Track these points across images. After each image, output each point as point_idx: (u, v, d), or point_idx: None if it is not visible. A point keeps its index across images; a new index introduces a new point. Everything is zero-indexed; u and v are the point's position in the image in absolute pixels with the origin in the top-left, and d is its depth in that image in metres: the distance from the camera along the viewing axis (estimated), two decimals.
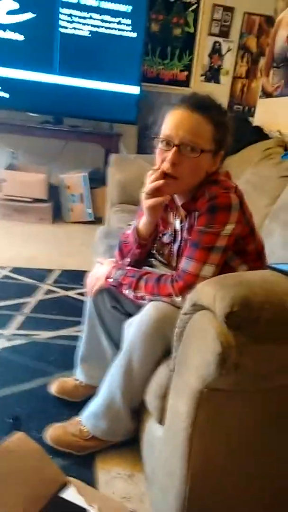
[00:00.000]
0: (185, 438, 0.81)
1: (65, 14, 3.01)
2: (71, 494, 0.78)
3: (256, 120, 3.13)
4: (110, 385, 1.14)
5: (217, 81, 3.56)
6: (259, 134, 2.51)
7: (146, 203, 1.10)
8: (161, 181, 1.05)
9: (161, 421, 0.99)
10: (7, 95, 3.13)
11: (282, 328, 0.70)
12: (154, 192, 1.08)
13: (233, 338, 0.69)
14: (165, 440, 0.93)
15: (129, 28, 3.09)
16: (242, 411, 0.80)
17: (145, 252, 1.22)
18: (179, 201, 1.15)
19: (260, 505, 0.91)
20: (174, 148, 1.02)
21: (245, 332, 0.69)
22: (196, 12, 3.36)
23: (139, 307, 1.10)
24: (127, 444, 1.21)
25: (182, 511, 0.86)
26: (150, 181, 1.07)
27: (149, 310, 1.06)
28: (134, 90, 3.22)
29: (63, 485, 0.80)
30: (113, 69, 3.15)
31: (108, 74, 3.16)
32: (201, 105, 1.03)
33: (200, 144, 1.02)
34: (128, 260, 1.23)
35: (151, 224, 1.17)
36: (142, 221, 1.17)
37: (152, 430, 1.06)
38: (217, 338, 0.70)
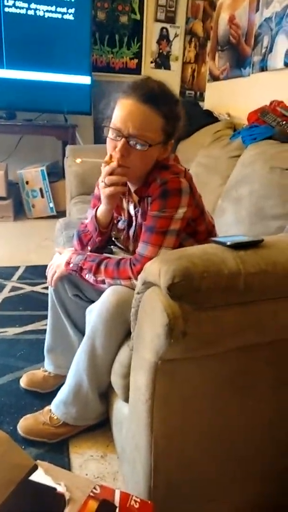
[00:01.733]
0: (146, 410, 0.85)
1: (9, 6, 2.95)
2: (39, 476, 0.80)
3: (206, 104, 3.18)
4: (76, 371, 1.17)
5: (167, 67, 3.59)
6: (210, 118, 2.55)
7: (105, 192, 1.11)
8: (118, 169, 1.05)
9: (126, 399, 1.02)
10: None
11: (221, 295, 0.74)
12: (113, 182, 1.09)
13: (178, 309, 0.73)
14: (130, 416, 0.97)
15: (75, 17, 3.05)
16: (195, 377, 0.84)
17: (105, 239, 1.24)
18: (131, 187, 1.18)
19: (222, 466, 0.96)
20: (123, 140, 1.03)
21: (189, 302, 0.73)
22: None
23: (100, 293, 1.12)
24: (99, 426, 1.25)
25: (149, 481, 0.90)
26: (106, 172, 1.08)
27: (109, 295, 1.08)
28: (85, 80, 3.20)
29: (32, 469, 0.82)
30: (62, 60, 3.12)
31: (58, 65, 3.13)
32: (152, 97, 1.02)
33: (148, 138, 1.03)
34: (88, 248, 1.25)
35: (109, 212, 1.19)
36: (101, 210, 1.19)
37: (120, 409, 1.09)
38: (164, 310, 0.73)
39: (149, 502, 0.79)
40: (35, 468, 0.82)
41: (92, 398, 1.18)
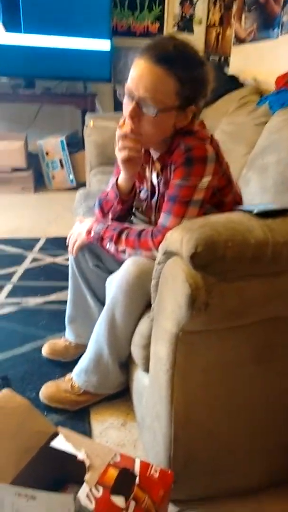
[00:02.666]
0: (167, 381, 0.84)
1: None
2: (60, 442, 0.81)
3: (231, 69, 3.04)
4: (96, 341, 1.17)
5: (190, 31, 3.42)
6: (235, 83, 2.44)
7: (119, 157, 1.08)
8: (130, 134, 1.02)
9: (147, 369, 1.02)
10: None
11: (247, 265, 0.71)
12: (126, 147, 1.05)
13: (201, 279, 0.70)
14: (151, 386, 0.97)
15: None
16: (217, 349, 0.82)
17: (126, 208, 1.21)
18: (154, 154, 1.13)
19: (240, 439, 0.95)
20: (133, 104, 0.98)
21: (212, 272, 0.70)
22: None
23: (120, 264, 1.11)
24: (119, 395, 1.26)
25: (170, 451, 0.90)
26: (118, 136, 1.05)
27: (129, 266, 1.06)
28: (105, 45, 3.09)
29: (53, 436, 0.83)
30: (81, 24, 3.01)
31: (77, 30, 3.02)
32: (165, 58, 0.95)
33: (159, 103, 0.96)
34: (109, 217, 1.22)
35: (130, 179, 1.15)
36: (121, 177, 1.16)
37: (140, 379, 1.09)
38: (186, 280, 0.71)
39: (169, 471, 0.80)
40: (56, 434, 0.83)
41: (113, 367, 1.18)
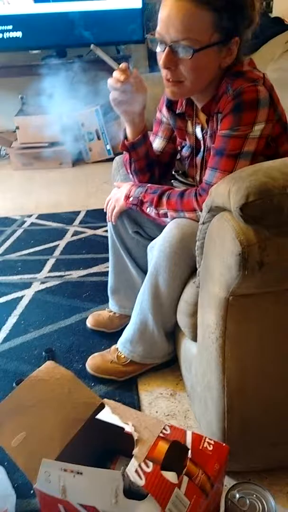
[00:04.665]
0: (218, 349, 0.78)
1: None
2: (107, 414, 0.77)
3: (275, 11, 2.77)
4: (140, 310, 1.12)
5: None
6: (280, 26, 2.21)
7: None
8: (110, 82, 0.98)
9: (194, 338, 0.96)
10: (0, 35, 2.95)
11: None
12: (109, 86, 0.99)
13: (253, 234, 0.62)
14: (200, 355, 0.91)
15: None
16: (273, 315, 0.74)
17: (138, 158, 1.14)
18: (198, 103, 1.02)
19: None
20: (166, 50, 0.87)
21: (267, 225, 0.61)
22: None
23: (162, 229, 1.04)
24: (168, 365, 1.22)
25: (223, 422, 0.84)
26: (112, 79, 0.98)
27: (172, 230, 1.00)
28: (136, 2, 2.91)
29: (99, 407, 0.80)
30: None
31: None
32: None
33: (194, 41, 0.84)
34: (130, 170, 1.17)
35: (128, 123, 1.09)
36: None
37: (188, 349, 1.04)
38: (236, 237, 0.62)
39: (224, 444, 0.74)
40: (102, 406, 0.80)
41: (158, 336, 1.13)
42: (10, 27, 2.93)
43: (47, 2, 2.88)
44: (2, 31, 2.94)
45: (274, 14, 2.69)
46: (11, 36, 2.96)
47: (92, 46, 1.01)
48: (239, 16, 0.87)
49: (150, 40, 0.95)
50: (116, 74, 0.98)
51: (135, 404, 1.12)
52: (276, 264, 0.63)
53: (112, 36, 2.99)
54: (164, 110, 1.14)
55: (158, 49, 0.90)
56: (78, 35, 2.94)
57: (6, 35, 2.95)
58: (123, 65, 0.99)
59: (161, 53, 0.89)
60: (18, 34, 2.96)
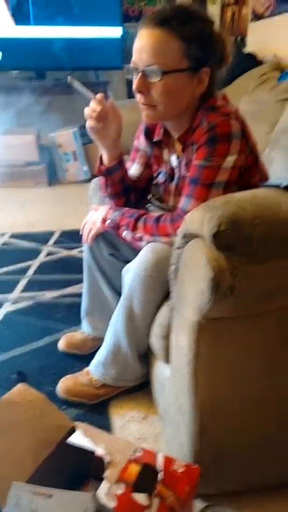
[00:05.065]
0: (190, 372, 0.79)
1: None
2: (78, 437, 0.77)
3: (248, 47, 2.93)
4: (114, 332, 1.12)
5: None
6: (253, 61, 2.34)
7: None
8: (87, 111, 1.03)
9: (167, 360, 0.97)
10: None
11: (277, 244, 0.65)
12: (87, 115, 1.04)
13: (225, 261, 0.64)
14: (173, 377, 0.92)
15: None
16: (244, 337, 0.76)
17: (114, 182, 1.17)
18: (174, 133, 1.06)
19: (271, 431, 0.89)
20: (138, 75, 0.93)
21: (238, 252, 0.64)
22: None
23: (137, 253, 1.06)
24: (140, 388, 1.21)
25: (194, 445, 0.85)
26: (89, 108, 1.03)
27: (147, 253, 1.01)
28: (116, 32, 3.02)
29: (70, 430, 0.79)
30: (91, 11, 2.95)
31: (87, 18, 2.96)
32: (164, 19, 0.90)
33: (163, 65, 0.90)
34: (107, 192, 1.20)
35: (104, 149, 1.13)
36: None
37: (161, 371, 1.04)
38: (208, 263, 0.65)
39: (195, 466, 0.75)
40: (73, 429, 0.79)
41: (131, 359, 1.13)
42: None
43: (28, 25, 2.94)
44: None
45: (248, 49, 2.84)
46: None
47: (68, 78, 1.07)
48: (208, 48, 0.94)
49: (126, 70, 1.00)
50: (92, 104, 1.02)
51: (107, 427, 1.11)
52: (247, 290, 0.66)
53: (91, 61, 3.08)
54: (142, 138, 1.18)
55: (134, 76, 0.96)
56: (58, 59, 3.01)
57: None
58: (99, 95, 1.03)
59: (134, 79, 0.95)
60: None
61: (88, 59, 3.05)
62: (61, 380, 1.21)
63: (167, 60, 0.91)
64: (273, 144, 1.53)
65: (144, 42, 0.91)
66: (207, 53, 0.94)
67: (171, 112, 0.99)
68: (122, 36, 3.03)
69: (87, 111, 1.04)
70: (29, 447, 0.75)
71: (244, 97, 1.90)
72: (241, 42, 3.06)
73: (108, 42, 3.04)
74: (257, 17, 2.81)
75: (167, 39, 0.90)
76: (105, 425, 1.11)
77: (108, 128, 1.06)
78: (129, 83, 3.33)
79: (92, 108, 1.02)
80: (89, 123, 1.05)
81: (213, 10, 3.32)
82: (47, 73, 3.15)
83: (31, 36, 2.95)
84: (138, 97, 0.96)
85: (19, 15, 2.90)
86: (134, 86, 0.95)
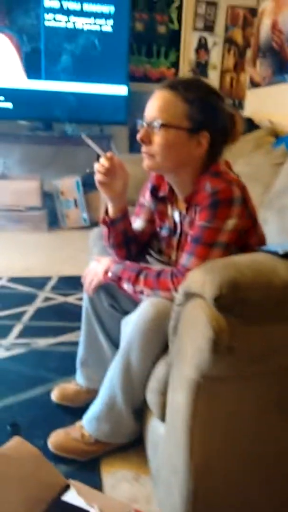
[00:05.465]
0: (186, 431, 0.79)
1: (49, 20, 3.01)
2: (71, 496, 0.75)
3: (246, 112, 3.12)
4: (109, 386, 1.11)
5: (205, 76, 3.55)
6: (250, 126, 2.48)
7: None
8: (96, 166, 1.11)
9: (162, 418, 0.96)
10: None
11: (272, 308, 0.67)
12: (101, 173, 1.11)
13: (224, 322, 0.67)
14: (167, 436, 0.91)
15: (113, 28, 3.08)
16: (240, 397, 0.77)
17: (116, 234, 1.21)
18: (180, 194, 1.13)
19: (268, 492, 0.87)
20: (144, 127, 1.03)
21: (236, 314, 0.67)
22: (179, 8, 3.36)
23: (136, 305, 1.07)
24: (132, 445, 1.18)
25: (187, 507, 0.83)
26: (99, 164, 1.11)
27: (146, 307, 1.03)
28: (122, 90, 3.21)
29: (64, 488, 0.77)
30: (99, 70, 3.14)
31: (95, 76, 3.15)
32: (175, 83, 1.02)
33: (164, 118, 1.00)
34: (109, 243, 1.24)
35: (110, 202, 1.19)
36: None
37: (155, 429, 1.03)
38: (209, 323, 0.67)
39: None
40: (67, 487, 0.77)
41: (126, 414, 1.12)
42: (2, 98, 3.13)
43: (39, 79, 3.11)
44: None
45: (245, 115, 3.02)
46: (1, 107, 3.14)
47: (83, 135, 1.14)
48: (209, 114, 1.02)
49: (138, 126, 1.08)
50: (102, 160, 1.10)
51: (98, 486, 1.07)
52: (244, 350, 0.68)
53: (97, 116, 3.24)
54: (147, 195, 1.24)
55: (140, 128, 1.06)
56: (65, 112, 3.16)
57: None
58: (109, 153, 1.12)
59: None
60: (9, 105, 3.15)
61: (94, 113, 3.21)
62: (53, 434, 1.18)
63: (170, 116, 1.01)
64: (268, 206, 1.60)
65: (153, 100, 1.03)
66: (208, 119, 1.02)
67: (168, 164, 1.06)
68: (127, 94, 3.22)
69: (97, 166, 1.11)
70: (21, 503, 0.73)
71: (241, 159, 2.00)
72: (239, 106, 3.26)
73: (114, 99, 3.22)
74: (254, 84, 3.01)
75: (172, 99, 1.01)
76: (96, 483, 1.08)
77: (115, 182, 1.13)
78: (132, 139, 3.50)
79: (102, 163, 1.10)
80: (98, 177, 1.12)
81: (213, 76, 3.56)
82: (54, 124, 3.29)
83: (41, 88, 3.12)
84: (142, 146, 1.05)
85: (32, 70, 3.09)
86: (138, 136, 1.04)
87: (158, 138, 1.02)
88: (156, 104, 1.02)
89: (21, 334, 1.79)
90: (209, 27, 3.43)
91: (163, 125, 1.00)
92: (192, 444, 0.79)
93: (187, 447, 0.80)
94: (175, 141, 1.02)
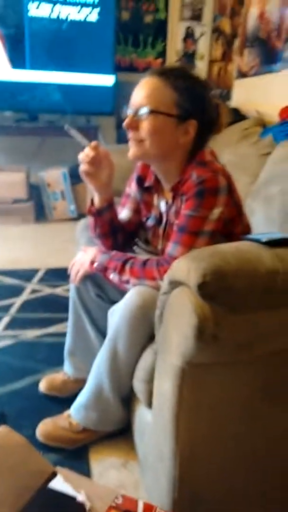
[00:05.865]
0: (171, 417, 0.80)
1: (34, 9, 2.96)
2: (58, 483, 0.75)
3: (233, 102, 3.12)
4: (97, 374, 1.12)
5: (193, 66, 3.53)
6: (237, 116, 2.48)
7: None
8: (81, 156, 1.10)
9: (149, 405, 0.98)
10: None
11: (256, 296, 0.68)
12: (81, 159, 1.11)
13: (209, 310, 0.67)
14: (154, 423, 0.92)
15: (99, 17, 3.05)
16: (225, 384, 0.78)
17: (102, 224, 1.21)
18: (166, 183, 1.13)
19: (254, 478, 0.89)
20: (131, 113, 1.03)
21: (221, 303, 0.68)
22: None
23: (123, 295, 1.08)
24: (120, 433, 1.19)
25: (173, 492, 0.84)
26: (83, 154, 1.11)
27: (132, 296, 1.04)
28: (109, 80, 3.18)
29: (51, 476, 0.78)
30: (85, 60, 3.10)
31: (81, 66, 3.11)
32: (164, 71, 1.02)
33: (152, 104, 1.00)
34: (96, 233, 1.24)
35: (96, 192, 1.19)
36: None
37: (142, 416, 1.04)
38: (193, 311, 0.68)
39: None
40: (54, 474, 0.78)
41: (114, 402, 1.13)
42: None
43: (24, 69, 3.07)
44: None
45: (233, 105, 3.02)
46: None
47: (65, 126, 1.13)
48: (197, 104, 1.02)
49: (123, 113, 1.08)
50: (87, 150, 1.09)
51: (86, 473, 1.09)
52: (228, 338, 0.69)
53: (84, 107, 3.20)
54: (133, 185, 1.24)
55: (127, 115, 1.04)
56: (51, 103, 3.13)
57: None
58: (94, 143, 1.10)
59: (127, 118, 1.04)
60: None
61: (81, 104, 3.17)
62: (41, 423, 1.19)
63: (158, 103, 1.00)
64: (255, 195, 1.61)
65: (141, 87, 1.03)
66: (196, 108, 1.02)
67: (155, 151, 1.05)
68: (114, 84, 3.19)
69: (81, 156, 1.10)
70: (9, 492, 0.73)
71: (228, 149, 2.00)
72: (226, 96, 3.25)
73: (100, 89, 3.19)
74: (242, 75, 3.01)
75: (161, 86, 1.00)
76: (84, 471, 1.09)
77: (100, 172, 1.13)
78: (119, 128, 3.47)
79: (86, 153, 1.09)
80: (83, 167, 1.11)
81: (201, 66, 3.55)
82: (40, 115, 3.25)
83: (26, 79, 3.08)
84: (128, 133, 1.05)
85: (16, 59, 3.04)
86: (124, 123, 1.03)
87: (146, 124, 1.01)
88: (144, 91, 1.01)
89: (9, 326, 1.79)
90: (197, 16, 3.40)
91: (152, 112, 1.00)
92: (178, 431, 0.80)
93: (173, 434, 0.81)
94: (163, 128, 1.02)
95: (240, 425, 0.83)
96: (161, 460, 0.86)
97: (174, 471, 0.83)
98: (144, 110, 1.00)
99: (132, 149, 1.07)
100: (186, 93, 1.01)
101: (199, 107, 1.03)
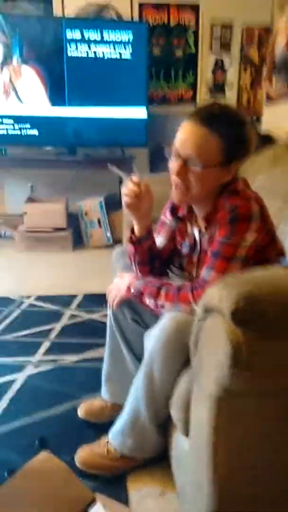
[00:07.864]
0: (209, 446, 0.79)
1: (71, 50, 3.16)
2: (98, 510, 0.76)
3: (263, 127, 3.14)
4: (133, 400, 1.14)
5: (223, 95, 3.60)
6: (268, 141, 2.50)
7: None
8: (124, 190, 1.15)
9: (186, 433, 0.97)
10: (18, 132, 3.27)
11: None
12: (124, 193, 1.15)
13: (242, 336, 0.68)
14: (191, 451, 0.91)
15: (132, 55, 3.20)
16: (261, 410, 0.77)
17: (142, 253, 1.24)
18: (199, 213, 1.17)
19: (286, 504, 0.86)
20: (180, 162, 1.05)
21: (254, 329, 0.68)
22: (195, 33, 3.45)
23: (158, 319, 1.10)
24: (157, 461, 1.19)
25: None
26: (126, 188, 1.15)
27: (168, 320, 1.05)
28: (142, 113, 3.30)
29: (91, 502, 0.79)
30: (120, 95, 3.24)
31: (116, 101, 3.25)
32: (210, 119, 1.03)
33: (204, 160, 1.02)
34: (133, 261, 1.26)
35: (137, 222, 1.22)
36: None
37: (180, 444, 1.04)
38: (227, 337, 0.69)
39: None
40: (93, 501, 0.79)
41: (149, 428, 1.13)
42: (28, 125, 3.27)
43: (63, 106, 3.25)
44: (21, 129, 3.28)
45: (263, 129, 3.04)
46: (28, 134, 3.28)
47: (108, 165, 1.20)
48: (240, 147, 1.06)
49: (167, 151, 1.12)
50: (129, 184, 1.15)
51: (124, 501, 1.08)
52: (261, 365, 0.69)
53: (119, 139, 3.33)
54: (168, 214, 1.29)
55: (172, 159, 1.07)
56: (88, 137, 3.28)
57: (24, 132, 3.28)
58: (135, 179, 1.15)
59: (174, 164, 1.07)
60: (35, 132, 3.29)
61: (116, 137, 3.31)
62: (79, 450, 1.20)
63: (208, 155, 1.03)
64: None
65: (188, 135, 1.04)
66: (240, 151, 1.06)
67: (200, 196, 1.10)
68: (147, 117, 3.30)
69: (125, 190, 1.16)
70: None
71: (260, 174, 2.01)
72: (257, 121, 3.29)
73: (134, 122, 3.30)
74: (271, 100, 3.05)
75: (210, 137, 1.02)
76: (122, 499, 1.09)
77: (141, 204, 1.17)
78: (152, 159, 3.56)
79: (130, 188, 1.15)
80: (127, 200, 1.17)
81: (231, 95, 3.62)
82: (78, 148, 3.40)
83: (65, 115, 3.25)
84: (175, 180, 1.07)
85: (56, 97, 3.23)
86: (173, 170, 1.06)
87: (196, 176, 1.04)
88: (191, 140, 1.03)
89: (49, 351, 1.84)
90: (226, 48, 3.50)
91: (204, 167, 1.02)
92: (216, 460, 0.80)
93: (211, 463, 0.80)
94: (211, 177, 1.06)
95: (278, 449, 0.81)
96: (200, 491, 0.85)
97: (213, 501, 0.81)
98: (193, 163, 1.03)
99: (178, 196, 1.11)
100: (231, 140, 1.03)
101: (243, 149, 1.07)
